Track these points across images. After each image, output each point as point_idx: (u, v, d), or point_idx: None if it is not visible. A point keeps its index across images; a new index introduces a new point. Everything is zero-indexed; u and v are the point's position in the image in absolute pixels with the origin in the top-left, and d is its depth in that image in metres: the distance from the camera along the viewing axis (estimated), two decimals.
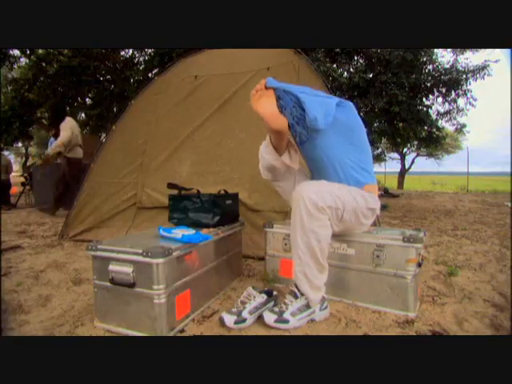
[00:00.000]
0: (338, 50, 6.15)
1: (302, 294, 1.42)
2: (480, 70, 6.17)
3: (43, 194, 4.93)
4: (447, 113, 7.16)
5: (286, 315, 1.36)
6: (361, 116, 1.62)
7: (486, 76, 6.22)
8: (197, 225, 1.70)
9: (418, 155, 20.00)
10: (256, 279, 1.97)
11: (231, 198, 1.92)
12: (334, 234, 1.47)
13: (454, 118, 7.34)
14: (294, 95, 1.39)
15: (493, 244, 2.95)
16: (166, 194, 2.28)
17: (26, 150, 22.29)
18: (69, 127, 4.36)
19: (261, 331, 1.35)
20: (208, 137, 2.77)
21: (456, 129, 8.38)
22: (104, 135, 8.72)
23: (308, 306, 1.41)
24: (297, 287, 1.44)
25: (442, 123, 7.40)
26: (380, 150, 11.57)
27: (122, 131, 3.08)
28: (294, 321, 1.36)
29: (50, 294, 1.76)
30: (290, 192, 1.59)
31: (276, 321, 1.35)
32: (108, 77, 9.39)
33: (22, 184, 6.37)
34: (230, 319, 1.36)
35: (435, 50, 6.37)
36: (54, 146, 4.40)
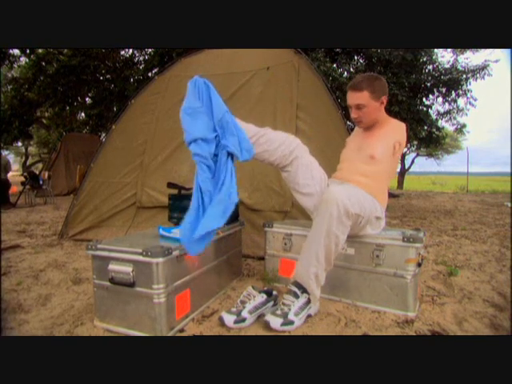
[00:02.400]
0: (338, 49, 6.15)
1: (303, 293, 1.42)
2: (480, 70, 6.17)
3: None
4: (447, 113, 7.16)
5: (291, 316, 1.35)
6: None
7: (486, 76, 6.23)
8: None
9: (417, 155, 20.00)
10: (256, 279, 1.97)
11: None
12: None
13: (454, 118, 7.34)
14: None
15: (492, 244, 2.95)
16: (165, 194, 2.29)
17: (26, 149, 22.29)
18: None
19: (260, 331, 1.35)
20: None
21: (456, 129, 8.38)
22: (104, 135, 8.74)
23: (307, 303, 1.42)
24: (296, 286, 1.43)
25: (441, 123, 7.40)
26: None
27: (122, 131, 3.08)
28: (297, 320, 1.36)
29: (50, 293, 1.76)
30: (291, 181, 1.61)
31: (283, 324, 1.33)
32: (108, 76, 9.40)
33: (22, 183, 6.38)
34: (229, 319, 1.36)
35: (435, 50, 6.37)
36: None
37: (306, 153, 1.62)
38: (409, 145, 9.89)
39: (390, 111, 5.68)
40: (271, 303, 1.49)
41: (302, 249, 1.47)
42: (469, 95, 6.48)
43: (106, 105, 9.15)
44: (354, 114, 1.65)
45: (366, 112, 1.61)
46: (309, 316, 1.43)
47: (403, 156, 17.26)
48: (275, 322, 1.33)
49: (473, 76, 6.20)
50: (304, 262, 1.43)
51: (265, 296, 1.47)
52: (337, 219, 1.35)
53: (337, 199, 1.35)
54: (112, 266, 1.32)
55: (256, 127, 1.55)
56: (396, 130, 1.65)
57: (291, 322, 1.34)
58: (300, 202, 1.67)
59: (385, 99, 1.63)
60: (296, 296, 1.41)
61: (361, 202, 1.45)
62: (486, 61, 6.21)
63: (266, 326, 1.33)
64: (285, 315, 1.35)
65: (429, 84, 6.23)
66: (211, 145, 1.38)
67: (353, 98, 1.62)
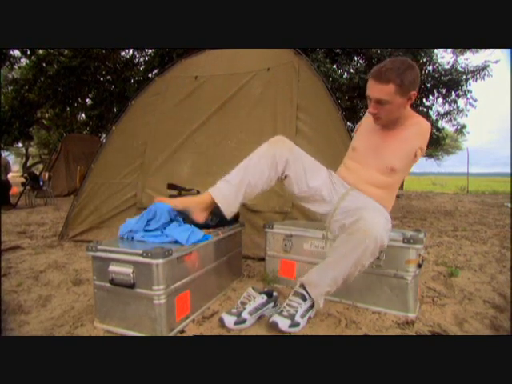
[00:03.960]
0: (338, 50, 6.15)
1: (310, 296, 1.39)
2: (480, 71, 6.18)
3: None
4: (447, 113, 7.17)
5: (297, 318, 1.34)
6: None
7: (486, 76, 6.24)
8: (197, 225, 1.70)
9: None
10: (256, 280, 1.97)
11: None
12: None
13: (454, 119, 7.36)
14: None
15: (493, 245, 2.94)
16: (166, 195, 2.28)
17: (27, 150, 22.31)
18: None
19: (261, 332, 1.35)
20: (208, 137, 2.76)
21: (456, 129, 8.38)
22: (104, 136, 8.75)
23: (312, 307, 1.40)
24: (305, 290, 1.40)
25: (442, 124, 7.42)
26: None
27: (122, 132, 3.08)
28: (302, 322, 1.35)
29: (50, 294, 1.76)
30: (289, 191, 1.57)
31: (290, 326, 1.32)
32: (108, 77, 9.41)
33: (22, 184, 6.38)
34: (229, 320, 1.36)
35: (435, 51, 6.38)
36: None
37: (297, 161, 1.49)
38: None
39: None
40: (271, 304, 1.48)
41: (323, 263, 1.40)
42: (469, 96, 6.50)
43: (107, 106, 9.16)
44: (372, 109, 1.40)
45: (388, 109, 1.36)
46: (309, 318, 1.43)
47: None
48: (283, 324, 1.32)
49: (473, 77, 6.21)
50: (320, 278, 1.37)
51: (265, 297, 1.47)
52: (371, 253, 1.27)
53: (376, 235, 1.25)
54: (112, 267, 1.32)
55: (235, 180, 1.46)
56: (420, 134, 1.44)
57: (298, 324, 1.34)
58: (306, 208, 1.64)
59: (414, 95, 1.35)
60: (304, 299, 1.39)
61: (389, 228, 1.38)
62: (485, 61, 6.23)
63: (274, 326, 1.32)
64: (292, 317, 1.34)
65: (429, 85, 6.24)
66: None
67: (374, 89, 1.34)
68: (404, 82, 1.30)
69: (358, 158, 1.58)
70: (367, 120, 1.59)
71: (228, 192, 1.45)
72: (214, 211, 1.73)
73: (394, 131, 1.47)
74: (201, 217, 1.50)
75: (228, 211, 1.47)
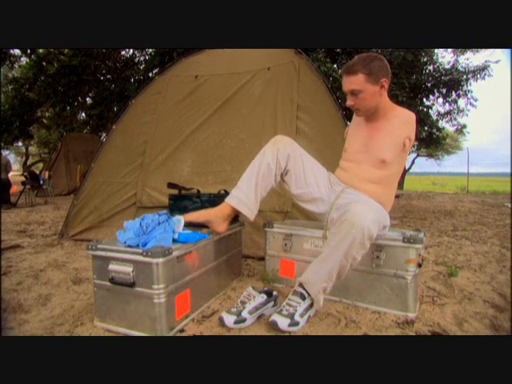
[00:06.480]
0: (338, 50, 6.15)
1: (309, 295, 1.40)
2: (480, 71, 6.17)
3: None
4: (448, 113, 7.18)
5: (297, 317, 1.34)
6: None
7: (486, 76, 6.23)
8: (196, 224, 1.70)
9: (418, 156, 20.02)
10: (256, 279, 1.97)
11: None
12: None
13: (455, 119, 7.37)
14: None
15: (493, 245, 2.94)
16: (166, 194, 2.29)
17: (27, 149, 22.31)
18: None
19: (260, 331, 1.35)
20: (208, 136, 2.77)
21: (456, 129, 8.40)
22: (104, 135, 8.75)
23: (311, 306, 1.41)
24: (304, 289, 1.41)
25: (442, 124, 7.42)
26: None
27: (123, 131, 3.08)
28: (302, 321, 1.36)
29: (50, 293, 1.76)
30: (288, 190, 1.62)
31: (290, 325, 1.32)
32: (108, 76, 9.42)
33: (23, 183, 6.39)
34: (229, 319, 1.36)
35: (436, 51, 6.37)
36: None
37: (297, 156, 1.55)
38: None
39: None
40: (271, 303, 1.49)
41: (317, 260, 1.42)
42: (469, 96, 6.50)
43: (107, 105, 9.16)
44: (349, 101, 1.50)
45: (363, 98, 1.46)
46: (308, 317, 1.43)
47: None
48: (283, 323, 1.32)
49: (473, 76, 6.21)
50: (315, 275, 1.39)
51: (265, 296, 1.47)
52: (360, 244, 1.31)
53: (363, 225, 1.28)
54: (112, 266, 1.32)
55: (250, 184, 1.53)
56: (405, 123, 1.50)
57: (297, 323, 1.34)
58: (305, 208, 1.66)
59: (386, 82, 1.46)
60: (303, 298, 1.39)
61: (379, 220, 1.40)
62: (486, 61, 6.23)
63: (273, 325, 1.32)
64: (291, 316, 1.34)
65: (429, 84, 6.23)
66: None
67: (346, 82, 1.47)
68: (372, 71, 1.42)
69: (350, 157, 1.65)
70: (354, 121, 1.68)
71: (246, 198, 1.52)
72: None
73: (379, 124, 1.54)
74: (222, 227, 1.57)
75: (252, 216, 1.56)
